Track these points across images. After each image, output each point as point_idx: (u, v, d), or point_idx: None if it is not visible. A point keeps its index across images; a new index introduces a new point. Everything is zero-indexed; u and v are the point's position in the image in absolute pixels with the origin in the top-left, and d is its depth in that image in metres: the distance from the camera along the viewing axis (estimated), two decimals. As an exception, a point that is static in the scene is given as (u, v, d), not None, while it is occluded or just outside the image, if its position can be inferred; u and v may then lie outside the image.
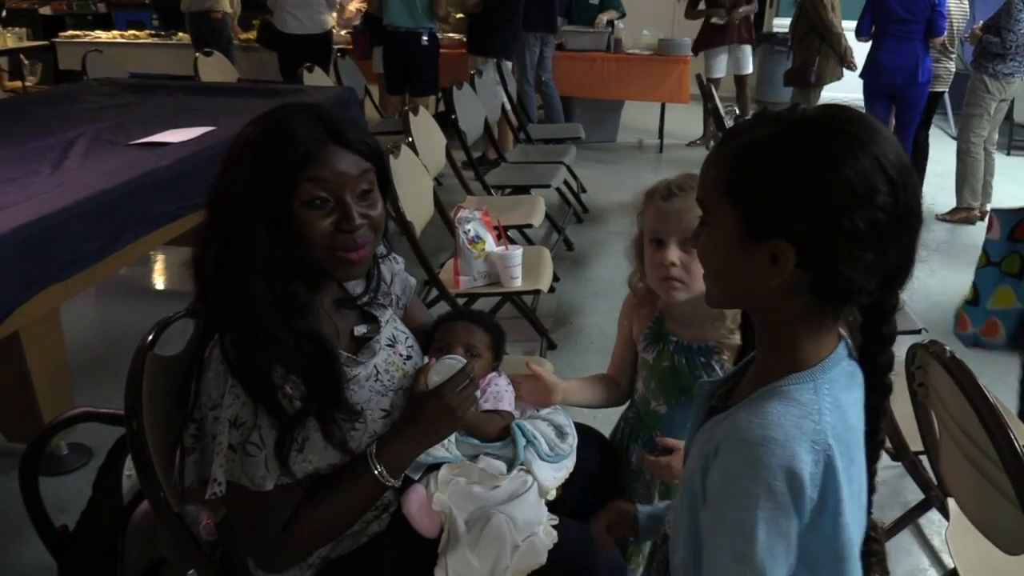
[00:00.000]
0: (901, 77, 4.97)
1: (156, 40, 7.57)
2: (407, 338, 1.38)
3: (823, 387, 0.83)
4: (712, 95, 4.19)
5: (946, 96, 6.28)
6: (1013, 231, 2.25)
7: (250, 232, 1.11)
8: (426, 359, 1.38)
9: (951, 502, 1.58)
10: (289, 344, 1.13)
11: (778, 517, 0.79)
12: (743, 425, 0.81)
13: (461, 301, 2.83)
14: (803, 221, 0.78)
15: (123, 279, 3.93)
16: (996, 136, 5.11)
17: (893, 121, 5.15)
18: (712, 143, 5.85)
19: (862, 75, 5.24)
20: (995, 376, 2.57)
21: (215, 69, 5.47)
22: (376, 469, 1.20)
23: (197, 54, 5.48)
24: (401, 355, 1.33)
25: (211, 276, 1.15)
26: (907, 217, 0.79)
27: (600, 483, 1.47)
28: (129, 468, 1.66)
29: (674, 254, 1.35)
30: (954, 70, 5.35)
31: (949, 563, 1.57)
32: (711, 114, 4.27)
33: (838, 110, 0.82)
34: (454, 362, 1.28)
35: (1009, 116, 5.61)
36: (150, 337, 1.27)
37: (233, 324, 1.12)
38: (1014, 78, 4.82)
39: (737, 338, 1.32)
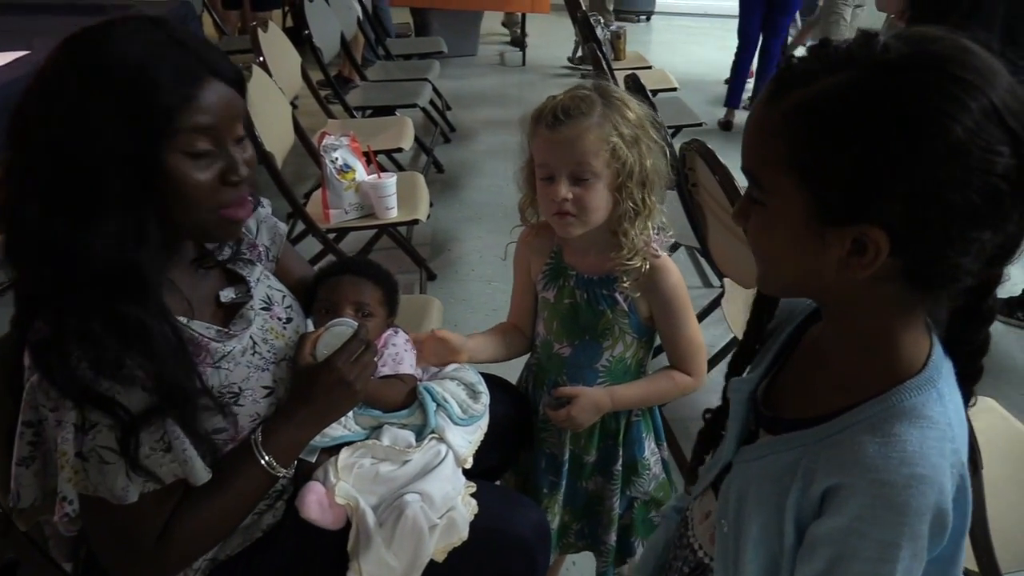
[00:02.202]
0: None
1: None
2: (284, 297, 1.19)
3: (945, 392, 0.68)
4: (579, 4, 4.04)
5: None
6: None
7: (97, 190, 0.87)
8: (309, 322, 1.20)
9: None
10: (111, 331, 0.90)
11: (913, 564, 0.66)
12: (877, 462, 0.65)
13: (332, 237, 2.63)
14: (899, 201, 0.60)
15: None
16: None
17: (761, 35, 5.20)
18: (581, 57, 5.75)
19: None
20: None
21: (23, -17, 4.81)
22: (263, 459, 1.03)
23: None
24: (280, 319, 1.15)
25: (26, 239, 0.89)
26: None
27: (512, 436, 1.37)
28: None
29: (564, 189, 1.21)
30: None
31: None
32: (580, 24, 4.12)
33: (935, 43, 0.62)
34: (343, 328, 1.11)
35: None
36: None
37: (44, 306, 0.90)
38: None
39: (637, 261, 1.24)
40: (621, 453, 1.39)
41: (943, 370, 0.70)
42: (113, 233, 0.88)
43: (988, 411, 1.71)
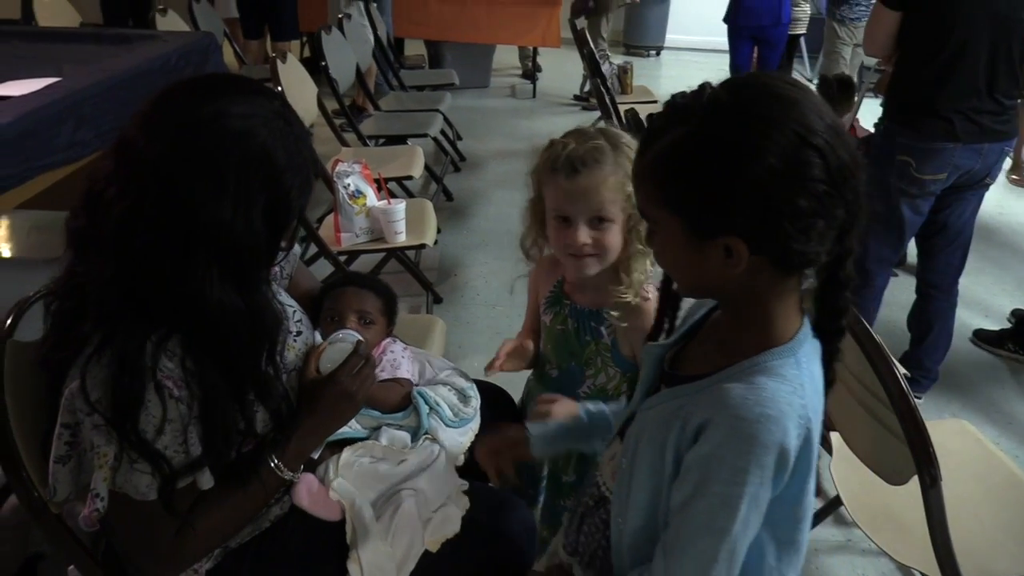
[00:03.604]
0: (766, 18, 5.15)
1: (-20, -21, 6.83)
2: (294, 311, 1.29)
3: (802, 361, 0.84)
4: (586, 40, 4.17)
5: (802, 39, 6.58)
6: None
7: (238, 260, 1.02)
8: (317, 335, 1.31)
9: (834, 436, 1.67)
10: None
11: (760, 492, 0.81)
12: (738, 401, 0.80)
13: (343, 259, 2.74)
14: (743, 216, 0.77)
15: (-38, 247, 3.59)
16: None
17: (755, 65, 5.34)
18: (588, 91, 5.89)
19: (726, 18, 5.38)
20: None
21: (54, 12, 4.99)
22: (273, 463, 1.12)
23: (32, -6, 4.98)
24: (290, 332, 1.25)
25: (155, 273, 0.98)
26: (845, 175, 0.78)
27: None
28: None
29: (584, 234, 1.30)
30: (810, 13, 5.62)
31: (832, 492, 1.66)
32: (586, 60, 4.26)
33: (745, 88, 0.79)
34: (345, 345, 1.21)
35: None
36: (8, 321, 1.14)
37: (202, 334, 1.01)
38: (860, 22, 5.03)
39: (630, 296, 1.33)
40: None
41: (805, 345, 0.86)
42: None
43: (962, 433, 1.79)
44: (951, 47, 2.27)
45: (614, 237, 1.31)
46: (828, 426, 1.69)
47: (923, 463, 1.20)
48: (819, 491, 1.61)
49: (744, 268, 0.80)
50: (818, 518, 1.96)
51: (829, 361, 0.90)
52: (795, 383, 0.82)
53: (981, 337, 3.08)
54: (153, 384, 0.97)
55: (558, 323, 1.45)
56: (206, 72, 3.50)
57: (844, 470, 1.63)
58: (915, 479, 1.22)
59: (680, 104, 0.81)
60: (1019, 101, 2.40)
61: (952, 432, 1.79)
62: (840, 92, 3.41)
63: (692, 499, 0.83)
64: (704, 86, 0.80)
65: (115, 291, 0.98)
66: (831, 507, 1.93)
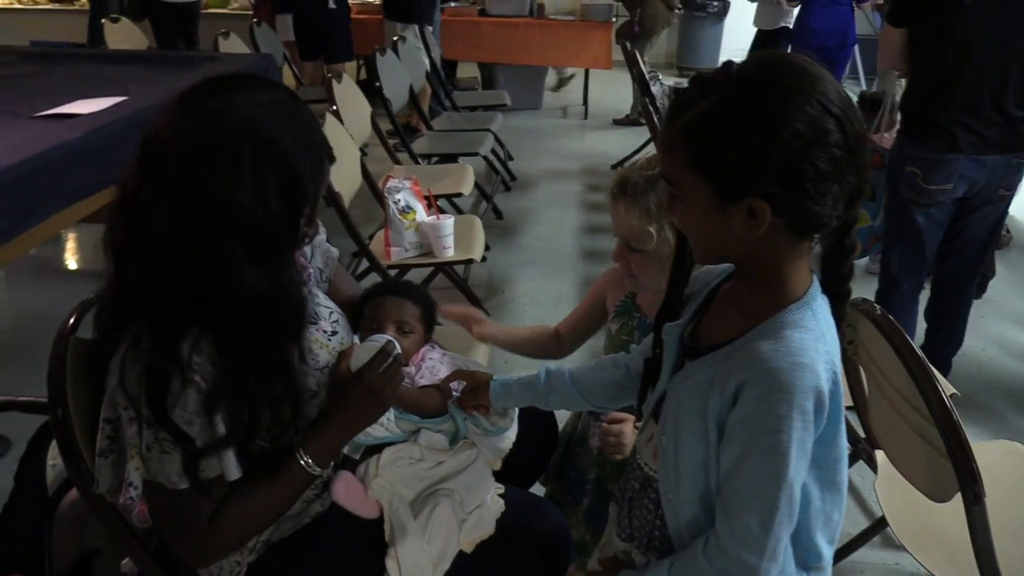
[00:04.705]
0: (831, 40, 5.10)
1: (57, 6, 7.17)
2: (331, 313, 1.33)
3: (818, 312, 0.92)
4: (636, 61, 4.20)
5: (857, 55, 6.53)
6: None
7: (273, 231, 1.07)
8: (355, 338, 1.34)
9: (879, 454, 1.64)
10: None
11: (804, 435, 0.87)
12: (770, 355, 0.87)
13: (393, 272, 2.79)
14: (769, 177, 0.83)
15: (33, 260, 3.75)
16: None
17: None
18: (640, 113, 5.91)
19: (792, 41, 5.35)
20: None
21: (122, 36, 5.22)
22: (303, 459, 1.15)
23: (103, 20, 5.21)
24: (325, 332, 1.29)
25: (185, 264, 1.03)
26: (858, 144, 0.85)
27: (540, 447, 1.48)
28: (53, 457, 1.60)
29: (620, 254, 1.38)
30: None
31: (877, 512, 1.64)
32: (636, 80, 4.28)
33: (772, 63, 0.86)
34: (373, 344, 1.22)
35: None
36: (72, 320, 1.20)
37: (232, 330, 1.06)
38: None
39: None
40: None
41: (817, 298, 0.93)
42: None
43: (1012, 454, 1.75)
44: (949, 61, 2.33)
45: (644, 266, 1.36)
46: (872, 444, 1.67)
47: (966, 479, 1.18)
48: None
49: (764, 231, 0.86)
50: (863, 538, 1.93)
51: (837, 324, 0.96)
52: (816, 331, 0.89)
53: None
54: (182, 377, 1.02)
55: (624, 333, 1.48)
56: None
57: (888, 489, 1.60)
58: (960, 497, 1.20)
59: (708, 78, 0.87)
60: None
61: (1002, 453, 1.75)
62: (870, 108, 3.46)
63: (743, 456, 0.88)
64: (729, 62, 0.88)
65: (162, 291, 1.03)
66: (876, 528, 1.90)
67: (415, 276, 3.14)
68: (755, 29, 6.07)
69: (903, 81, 4.77)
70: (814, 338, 0.88)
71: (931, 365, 1.27)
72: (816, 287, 0.94)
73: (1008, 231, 4.09)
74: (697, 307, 1.04)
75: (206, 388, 1.03)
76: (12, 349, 2.92)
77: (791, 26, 5.60)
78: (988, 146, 2.36)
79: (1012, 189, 2.50)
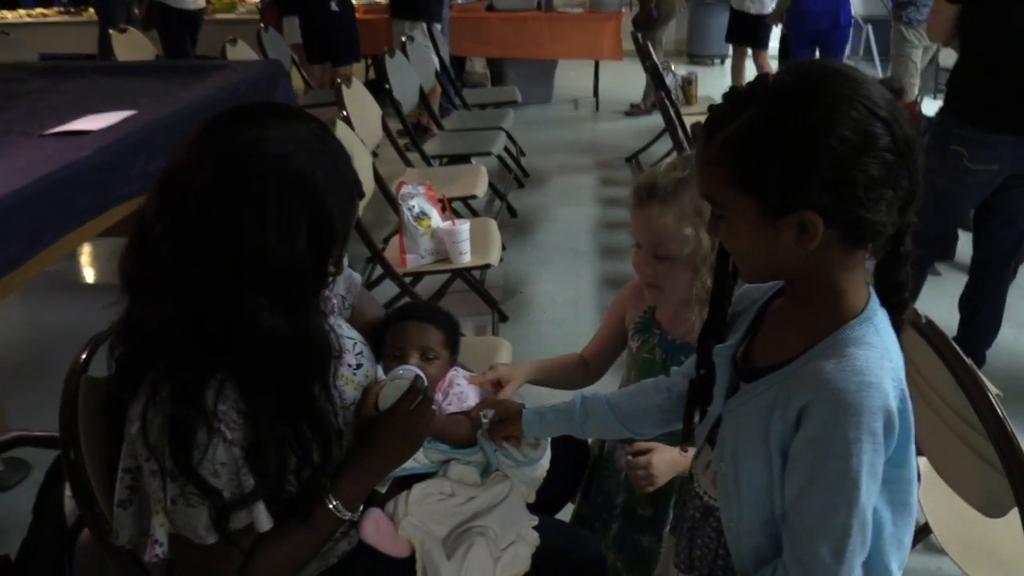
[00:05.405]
0: (825, 22, 5.06)
1: (66, 18, 7.17)
2: (355, 344, 1.27)
3: (880, 328, 0.88)
4: (650, 53, 4.13)
5: (872, 39, 6.41)
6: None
7: (301, 271, 1.01)
8: (379, 370, 1.29)
9: (923, 461, 1.58)
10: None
11: (875, 458, 0.83)
12: (835, 375, 0.82)
13: (408, 280, 2.76)
14: (819, 188, 0.79)
15: (48, 275, 3.73)
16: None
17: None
18: (653, 103, 5.85)
19: (787, 24, 5.30)
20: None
21: (131, 46, 5.19)
22: (331, 504, 1.10)
23: (111, 31, 5.19)
24: (350, 365, 1.23)
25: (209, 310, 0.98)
26: (909, 147, 0.82)
27: (571, 471, 1.43)
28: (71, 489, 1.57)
29: (645, 263, 1.31)
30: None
31: (921, 519, 1.58)
32: (649, 72, 4.21)
33: (810, 71, 0.83)
34: (403, 382, 1.16)
35: (935, 60, 5.71)
36: (83, 356, 1.17)
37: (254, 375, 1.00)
38: None
39: None
40: (671, 517, 1.38)
41: (878, 312, 0.89)
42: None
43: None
44: (1006, 39, 2.27)
45: (674, 274, 1.30)
46: (918, 451, 1.61)
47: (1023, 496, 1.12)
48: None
49: (817, 244, 0.82)
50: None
51: (897, 336, 0.91)
52: (880, 348, 0.85)
53: None
54: (207, 428, 0.97)
55: (645, 351, 1.42)
56: (274, 99, 3.58)
57: (935, 497, 1.54)
58: (1015, 511, 1.14)
59: (743, 92, 0.84)
60: None
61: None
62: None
63: (811, 482, 0.84)
64: (763, 74, 0.85)
65: (173, 332, 0.97)
66: (920, 536, 1.84)
67: (431, 282, 3.11)
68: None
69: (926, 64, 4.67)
70: (879, 355, 0.84)
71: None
72: (875, 300, 0.90)
73: None
74: (748, 327, 0.99)
75: (232, 438, 0.98)
76: (31, 371, 2.90)
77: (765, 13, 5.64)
78: None
79: None
